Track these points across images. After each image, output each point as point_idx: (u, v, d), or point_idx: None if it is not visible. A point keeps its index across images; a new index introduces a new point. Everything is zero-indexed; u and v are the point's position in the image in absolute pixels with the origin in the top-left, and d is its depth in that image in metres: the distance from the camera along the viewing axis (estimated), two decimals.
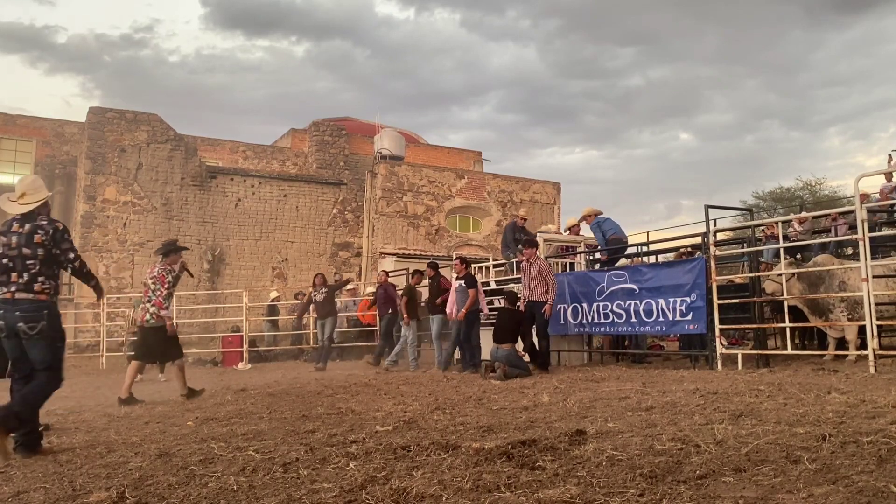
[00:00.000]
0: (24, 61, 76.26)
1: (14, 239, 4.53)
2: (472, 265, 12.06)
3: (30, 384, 4.54)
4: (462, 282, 9.51)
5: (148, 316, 7.65)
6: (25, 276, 4.49)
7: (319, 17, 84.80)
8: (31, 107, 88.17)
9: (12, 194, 4.73)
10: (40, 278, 4.54)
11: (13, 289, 4.48)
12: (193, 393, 7.59)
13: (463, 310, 9.21)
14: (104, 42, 78.34)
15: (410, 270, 14.16)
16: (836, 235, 10.95)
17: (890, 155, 14.20)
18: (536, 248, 9.12)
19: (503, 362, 8.07)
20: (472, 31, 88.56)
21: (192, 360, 15.18)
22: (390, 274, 16.20)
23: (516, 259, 10.42)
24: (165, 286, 7.67)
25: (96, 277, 5.16)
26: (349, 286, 15.64)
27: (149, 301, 7.65)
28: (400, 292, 11.70)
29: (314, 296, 12.22)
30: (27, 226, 4.57)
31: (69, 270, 4.81)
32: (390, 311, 12.03)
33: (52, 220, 4.72)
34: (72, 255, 4.72)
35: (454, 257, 11.21)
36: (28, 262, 4.50)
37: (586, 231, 11.84)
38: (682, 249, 10.19)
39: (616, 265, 10.00)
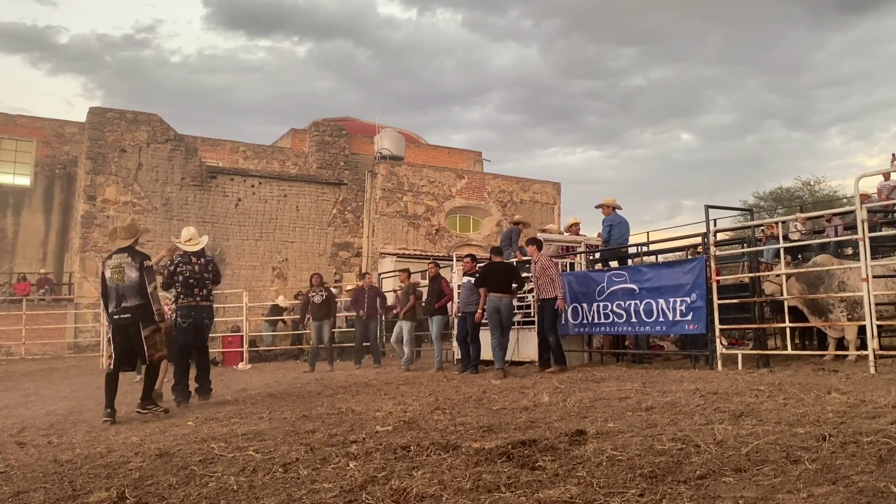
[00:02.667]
0: (26, 62, 76.38)
1: (197, 268, 7.14)
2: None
3: (200, 361, 7.34)
4: (472, 279, 9.50)
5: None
6: (204, 291, 7.15)
7: (322, 17, 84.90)
8: (34, 107, 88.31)
9: (179, 239, 7.25)
10: (211, 293, 7.31)
11: (198, 299, 7.08)
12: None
13: (479, 310, 9.16)
14: (106, 42, 78.46)
15: (411, 270, 14.17)
16: (832, 236, 10.96)
17: (893, 154, 14.23)
18: (538, 246, 9.12)
19: (506, 310, 8.72)
20: (473, 32, 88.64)
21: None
22: (388, 274, 16.18)
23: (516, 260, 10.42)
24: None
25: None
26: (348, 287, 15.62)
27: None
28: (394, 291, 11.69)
29: (311, 297, 12.12)
30: (202, 259, 7.23)
31: (212, 285, 7.45)
32: (370, 314, 12.16)
33: (210, 256, 7.49)
34: (213, 276, 7.34)
35: (455, 258, 11.19)
36: (206, 281, 7.16)
37: (586, 230, 11.84)
38: (696, 248, 10.19)
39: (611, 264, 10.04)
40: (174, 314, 7.52)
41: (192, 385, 7.26)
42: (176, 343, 7.23)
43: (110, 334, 6.49)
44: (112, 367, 6.35)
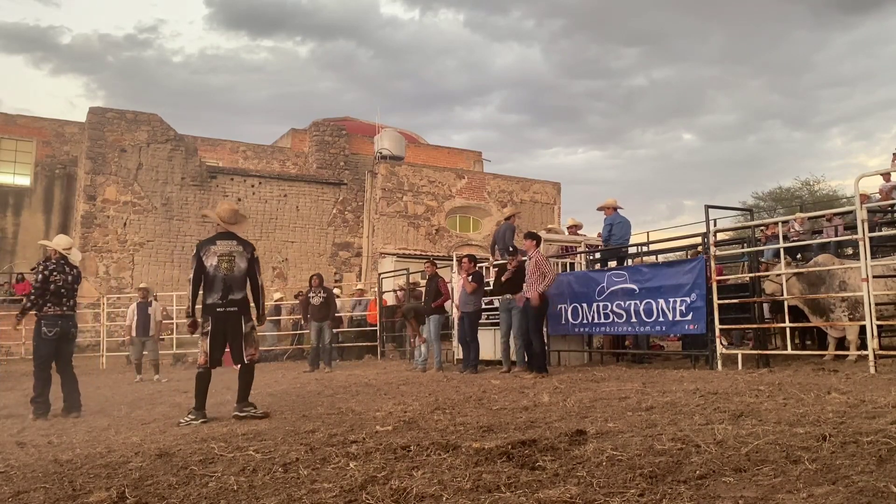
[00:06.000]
0: (29, 62, 76.36)
1: (70, 278, 6.91)
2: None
3: (67, 373, 6.88)
4: (470, 277, 9.52)
5: None
6: (71, 301, 6.89)
7: (324, 17, 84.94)
8: (36, 107, 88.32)
9: (55, 245, 6.99)
10: (76, 304, 7.08)
11: (64, 308, 6.80)
12: None
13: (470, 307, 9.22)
14: (108, 42, 78.44)
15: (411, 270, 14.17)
16: (831, 236, 10.97)
17: (895, 154, 14.24)
18: (536, 242, 8.96)
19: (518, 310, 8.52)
20: (476, 32, 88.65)
21: (192, 359, 15.18)
22: (388, 274, 16.17)
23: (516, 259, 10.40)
24: None
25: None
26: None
27: None
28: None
29: (311, 298, 12.06)
30: (74, 269, 7.02)
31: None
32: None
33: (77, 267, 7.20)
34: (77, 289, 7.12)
35: (455, 258, 11.17)
36: (73, 292, 6.96)
37: (588, 231, 11.86)
38: (696, 248, 10.22)
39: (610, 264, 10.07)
40: (39, 324, 6.77)
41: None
42: (38, 354, 6.68)
43: (209, 328, 5.70)
44: (208, 364, 5.72)
